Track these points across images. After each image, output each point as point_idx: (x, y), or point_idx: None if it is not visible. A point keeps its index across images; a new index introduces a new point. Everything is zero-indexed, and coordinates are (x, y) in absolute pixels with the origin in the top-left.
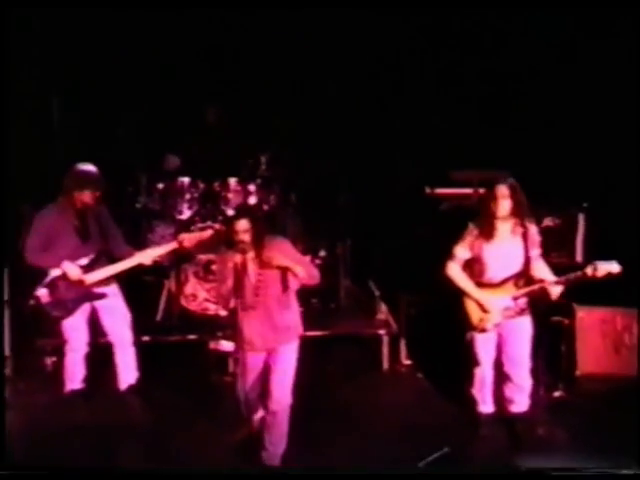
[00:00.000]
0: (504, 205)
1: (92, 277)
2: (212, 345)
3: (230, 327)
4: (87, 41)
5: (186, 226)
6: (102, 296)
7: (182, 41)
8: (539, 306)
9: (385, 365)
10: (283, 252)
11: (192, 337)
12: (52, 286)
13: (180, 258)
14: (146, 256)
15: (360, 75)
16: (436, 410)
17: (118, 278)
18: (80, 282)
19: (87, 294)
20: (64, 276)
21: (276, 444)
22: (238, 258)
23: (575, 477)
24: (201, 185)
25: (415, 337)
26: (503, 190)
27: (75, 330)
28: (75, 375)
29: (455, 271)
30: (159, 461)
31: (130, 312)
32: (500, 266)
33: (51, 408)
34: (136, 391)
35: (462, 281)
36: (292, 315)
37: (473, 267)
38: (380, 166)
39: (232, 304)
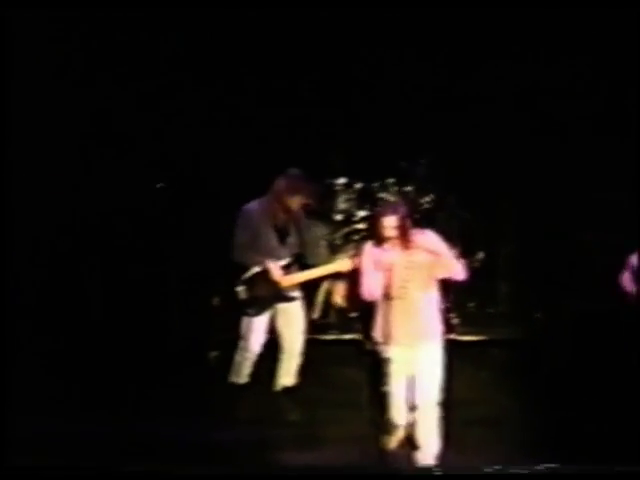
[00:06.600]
0: None
1: (290, 279)
2: (369, 345)
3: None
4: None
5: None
6: (290, 299)
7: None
8: None
9: (542, 371)
10: (430, 243)
11: (349, 336)
12: (251, 283)
13: None
14: (344, 264)
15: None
16: (597, 417)
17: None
18: (278, 283)
19: (278, 295)
20: (265, 274)
21: (428, 442)
22: (386, 253)
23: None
24: (358, 186)
25: (575, 344)
26: None
27: (255, 331)
28: (241, 372)
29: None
30: (311, 459)
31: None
32: None
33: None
34: (291, 392)
35: None
36: (436, 310)
37: None
38: (542, 170)
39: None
